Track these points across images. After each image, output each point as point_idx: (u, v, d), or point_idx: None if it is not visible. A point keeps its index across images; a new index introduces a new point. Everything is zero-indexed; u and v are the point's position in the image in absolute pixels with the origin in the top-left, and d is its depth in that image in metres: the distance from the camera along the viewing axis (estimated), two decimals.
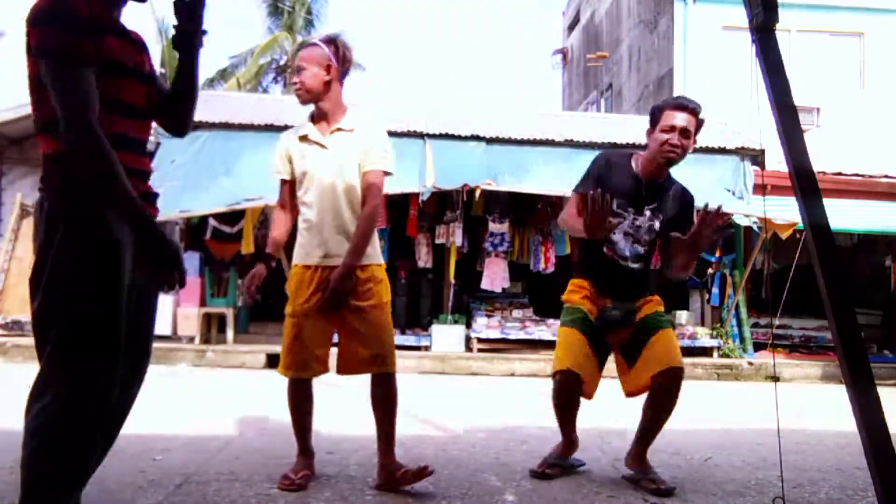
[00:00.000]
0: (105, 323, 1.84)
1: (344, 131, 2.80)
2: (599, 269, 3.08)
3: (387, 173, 2.84)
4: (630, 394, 3.07)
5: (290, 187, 2.90)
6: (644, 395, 3.04)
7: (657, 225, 3.04)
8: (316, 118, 2.86)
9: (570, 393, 3.02)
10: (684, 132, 2.94)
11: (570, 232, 3.11)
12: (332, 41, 2.80)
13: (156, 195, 2.10)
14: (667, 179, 3.08)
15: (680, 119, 2.94)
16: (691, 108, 2.96)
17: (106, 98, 1.86)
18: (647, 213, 3.03)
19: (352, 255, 2.72)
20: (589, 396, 3.03)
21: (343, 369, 2.85)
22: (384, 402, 2.82)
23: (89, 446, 1.89)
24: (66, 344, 1.82)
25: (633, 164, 3.07)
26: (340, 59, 2.79)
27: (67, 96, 1.75)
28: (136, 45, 2.02)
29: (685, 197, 3.12)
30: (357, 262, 2.73)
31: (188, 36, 2.12)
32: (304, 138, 2.84)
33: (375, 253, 2.85)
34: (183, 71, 2.20)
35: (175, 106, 2.22)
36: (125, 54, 1.93)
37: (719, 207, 2.78)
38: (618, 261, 3.04)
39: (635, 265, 3.05)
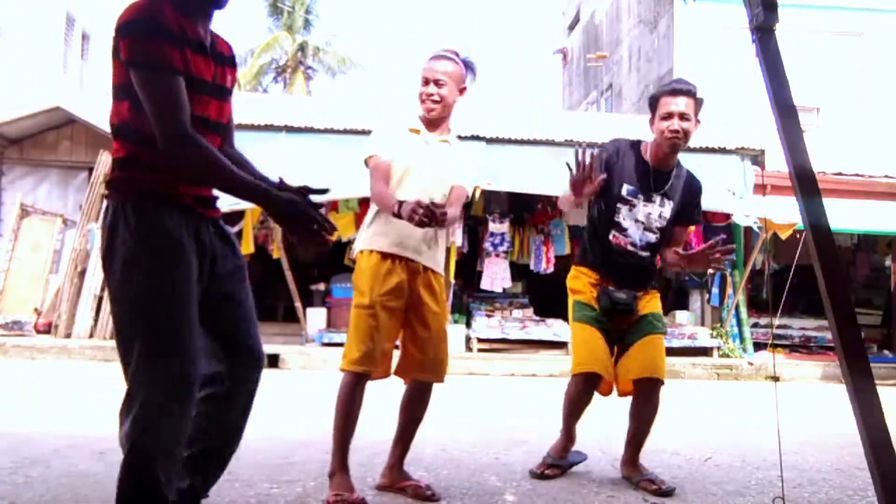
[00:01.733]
0: (174, 327, 1.83)
1: (450, 144, 2.85)
2: (605, 258, 3.09)
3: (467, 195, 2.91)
4: (623, 393, 3.11)
5: (386, 165, 2.73)
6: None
7: (668, 212, 3.06)
8: (429, 125, 2.82)
9: (589, 395, 3.08)
10: (683, 116, 2.96)
11: (563, 206, 3.14)
12: (469, 66, 2.82)
13: (216, 198, 2.06)
14: (676, 166, 3.11)
15: (676, 104, 2.96)
16: (686, 91, 2.98)
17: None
18: (657, 199, 3.05)
19: (454, 207, 2.70)
20: (607, 392, 3.10)
21: (402, 371, 2.80)
22: (419, 409, 2.81)
23: (172, 457, 1.91)
24: (141, 351, 1.82)
25: (643, 151, 3.09)
26: (469, 81, 2.84)
27: (161, 106, 1.78)
28: (222, 58, 2.03)
29: (693, 183, 3.16)
30: (457, 213, 2.74)
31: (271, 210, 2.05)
32: (415, 131, 2.80)
33: (442, 263, 2.86)
34: (238, 183, 2.00)
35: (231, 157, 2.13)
36: (206, 69, 1.95)
37: (727, 248, 2.85)
38: (625, 248, 3.05)
39: (644, 253, 3.07)
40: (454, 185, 2.81)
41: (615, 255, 3.06)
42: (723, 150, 9.73)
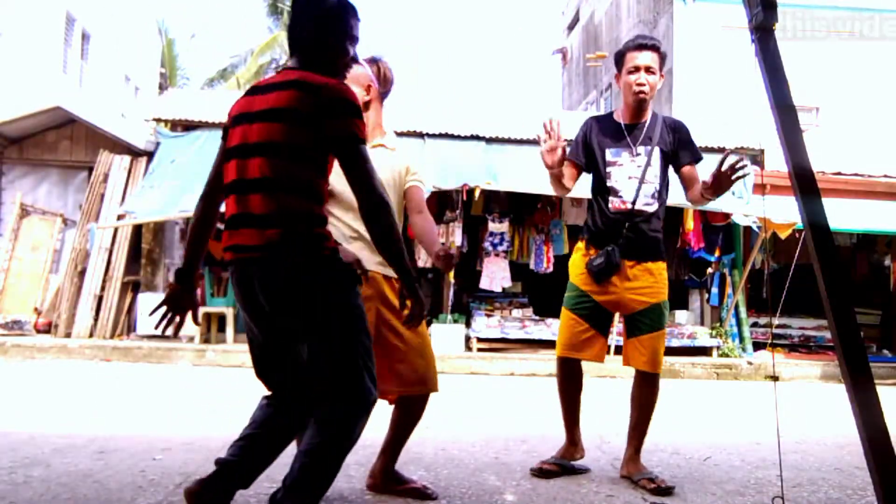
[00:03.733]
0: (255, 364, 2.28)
1: (386, 149, 2.76)
2: (608, 228, 3.11)
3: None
4: (626, 364, 3.20)
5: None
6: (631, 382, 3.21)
7: (656, 158, 3.09)
8: None
9: (573, 378, 3.18)
10: (648, 69, 3.05)
11: (554, 188, 3.16)
12: (374, 62, 2.77)
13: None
14: (652, 117, 3.16)
15: (642, 58, 3.05)
16: (651, 45, 3.07)
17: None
18: (641, 150, 3.09)
19: (436, 242, 2.69)
20: (599, 360, 3.20)
21: (391, 394, 2.70)
22: (413, 419, 2.76)
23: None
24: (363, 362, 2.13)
25: (614, 115, 3.20)
26: (381, 79, 2.77)
27: (374, 180, 2.04)
28: None
29: (672, 122, 3.20)
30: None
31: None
32: None
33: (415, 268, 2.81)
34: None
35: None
36: None
37: (738, 160, 2.82)
38: (627, 208, 3.07)
39: (647, 207, 3.08)
40: (408, 187, 2.76)
41: (616, 221, 3.08)
42: (722, 150, 9.68)
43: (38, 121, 9.62)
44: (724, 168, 2.80)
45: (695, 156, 3.16)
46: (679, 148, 3.14)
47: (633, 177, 3.07)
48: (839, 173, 9.84)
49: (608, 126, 3.17)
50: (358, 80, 2.70)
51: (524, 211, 9.60)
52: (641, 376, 3.14)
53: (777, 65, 2.21)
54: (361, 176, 2.02)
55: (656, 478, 2.97)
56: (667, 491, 2.88)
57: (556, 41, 21.87)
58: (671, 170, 3.18)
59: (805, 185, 2.16)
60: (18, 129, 9.68)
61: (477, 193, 8.33)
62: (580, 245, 3.22)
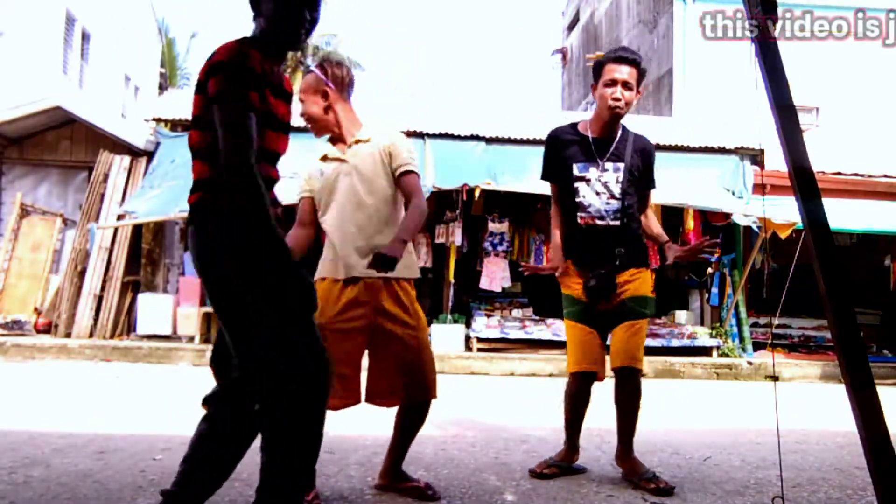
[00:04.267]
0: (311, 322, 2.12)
1: (362, 142, 2.71)
2: (579, 240, 3.09)
3: (415, 173, 2.73)
4: (600, 379, 3.15)
5: (310, 204, 2.80)
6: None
7: (623, 175, 3.06)
8: (335, 142, 2.78)
9: (586, 393, 3.10)
10: (626, 85, 2.99)
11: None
12: (320, 65, 2.70)
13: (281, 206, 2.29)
14: (621, 132, 3.13)
15: (620, 72, 2.99)
16: (631, 60, 3.01)
17: (261, 147, 2.06)
18: (609, 166, 3.06)
19: (404, 232, 2.53)
20: (601, 379, 3.12)
21: (375, 397, 2.66)
22: (415, 423, 2.74)
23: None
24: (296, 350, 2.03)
25: (580, 128, 3.14)
26: (332, 78, 2.68)
27: (234, 141, 1.93)
28: (286, 96, 2.19)
29: (643, 146, 3.16)
30: (409, 238, 2.55)
31: None
32: (324, 158, 2.78)
33: (415, 266, 2.74)
34: None
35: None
36: (279, 108, 2.14)
37: (712, 244, 2.96)
38: (595, 224, 3.05)
39: (615, 222, 3.05)
40: (400, 172, 2.66)
41: (587, 235, 3.06)
42: (722, 150, 9.74)
43: (38, 121, 9.62)
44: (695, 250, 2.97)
45: (650, 185, 3.19)
46: (641, 170, 3.11)
47: (600, 192, 3.04)
48: (839, 173, 9.84)
49: (574, 139, 3.10)
50: (311, 88, 2.68)
51: (524, 211, 9.60)
52: (619, 375, 3.02)
53: (777, 65, 2.21)
54: (220, 137, 1.95)
55: (656, 478, 2.96)
56: (667, 491, 2.88)
57: (556, 41, 21.87)
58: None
59: (805, 185, 2.16)
60: (18, 129, 9.68)
61: (477, 193, 8.33)
62: (569, 262, 3.14)
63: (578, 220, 3.06)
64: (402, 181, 2.68)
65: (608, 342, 3.12)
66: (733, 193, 9.32)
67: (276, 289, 1.96)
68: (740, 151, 9.77)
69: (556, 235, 3.16)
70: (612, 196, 3.05)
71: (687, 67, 12.22)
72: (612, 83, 2.98)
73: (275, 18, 2.07)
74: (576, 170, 3.06)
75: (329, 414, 2.69)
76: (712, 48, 11.95)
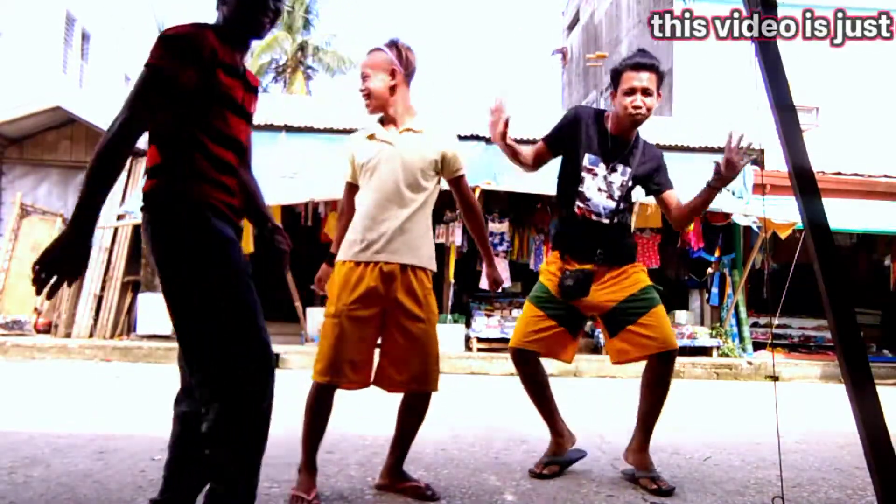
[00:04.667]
0: (253, 319, 1.98)
1: (413, 132, 2.72)
2: (572, 229, 3.09)
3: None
4: (617, 363, 3.12)
5: (351, 191, 2.80)
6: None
7: (628, 180, 3.06)
8: (385, 123, 2.77)
9: (524, 367, 3.12)
10: (645, 91, 2.95)
11: (510, 160, 3.11)
12: (394, 44, 2.72)
13: (242, 210, 2.18)
14: (635, 138, 3.11)
15: (640, 79, 2.95)
16: (649, 66, 2.96)
17: (216, 125, 1.99)
18: (619, 168, 3.05)
19: (488, 252, 2.94)
20: (567, 360, 3.14)
21: (380, 381, 2.69)
22: (416, 417, 2.75)
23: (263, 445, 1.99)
24: (224, 352, 1.91)
25: (605, 120, 3.09)
26: (404, 62, 2.71)
27: (133, 97, 1.83)
28: (249, 87, 2.14)
29: (658, 154, 3.15)
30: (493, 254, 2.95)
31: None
32: (371, 137, 2.76)
33: (433, 258, 2.75)
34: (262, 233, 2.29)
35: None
36: (236, 91, 2.05)
37: (741, 136, 2.85)
38: (590, 218, 3.05)
39: (606, 221, 3.06)
40: (457, 174, 2.76)
41: (579, 227, 3.06)
42: (722, 150, 9.70)
43: (38, 121, 9.62)
44: (732, 146, 2.84)
45: (669, 185, 3.15)
46: (657, 172, 3.10)
47: (602, 190, 3.04)
48: (839, 173, 9.85)
49: (595, 130, 3.07)
50: (380, 65, 2.69)
51: (524, 211, 9.60)
52: (658, 359, 2.98)
53: (777, 65, 2.21)
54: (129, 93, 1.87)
55: (657, 478, 2.96)
56: (667, 492, 2.87)
57: (556, 41, 21.87)
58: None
59: (805, 185, 2.16)
60: (18, 129, 9.69)
61: (477, 193, 8.34)
62: (555, 254, 3.15)
63: (575, 210, 3.06)
64: (459, 184, 2.79)
65: (619, 346, 3.08)
66: (733, 193, 9.32)
67: (212, 291, 1.89)
68: (740, 151, 9.76)
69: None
70: (611, 197, 3.05)
71: (687, 67, 12.22)
72: (632, 91, 2.94)
73: (238, 6, 2.03)
74: (586, 160, 3.04)
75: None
76: (712, 48, 11.95)
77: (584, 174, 3.05)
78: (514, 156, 3.01)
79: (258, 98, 2.23)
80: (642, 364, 3.08)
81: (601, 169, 3.04)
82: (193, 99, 1.92)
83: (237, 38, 2.08)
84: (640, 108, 2.94)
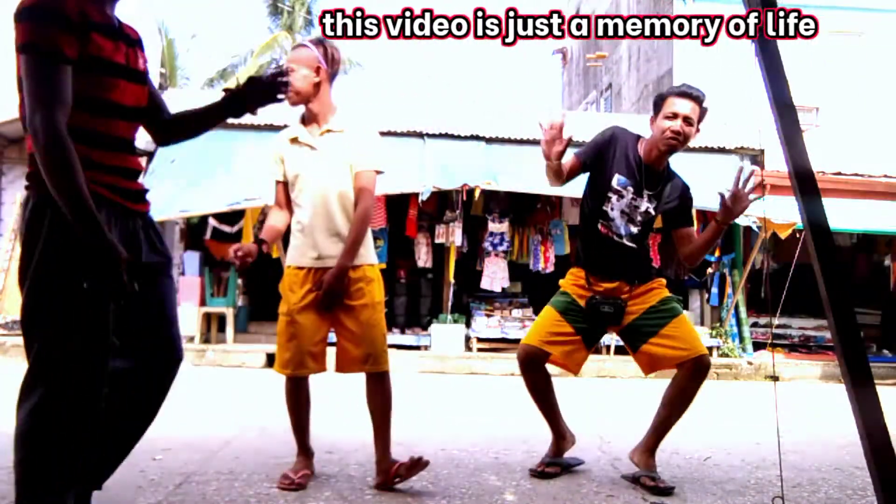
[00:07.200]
0: (90, 320, 1.83)
1: (334, 132, 2.80)
2: (594, 247, 3.11)
3: (378, 172, 2.84)
4: (649, 372, 3.15)
5: (284, 188, 2.91)
6: (653, 385, 3.13)
7: (652, 210, 3.08)
8: (306, 120, 2.86)
9: (531, 368, 3.14)
10: (687, 120, 2.96)
11: (549, 181, 3.04)
12: (320, 42, 2.79)
13: (146, 191, 2.08)
14: (666, 169, 3.12)
15: (683, 106, 2.96)
16: (695, 96, 2.98)
17: (94, 96, 1.85)
18: (646, 196, 3.06)
19: (345, 256, 2.73)
20: (574, 372, 3.15)
21: (339, 367, 2.85)
22: (379, 400, 2.84)
23: (78, 446, 1.86)
24: (51, 342, 1.84)
25: (639, 146, 3.10)
26: (329, 60, 2.79)
27: (37, 91, 1.70)
28: (131, 41, 1.97)
29: (685, 192, 3.16)
30: (350, 262, 2.73)
31: (241, 107, 2.28)
32: (294, 140, 2.85)
33: (368, 253, 2.86)
34: (206, 120, 2.31)
35: (173, 127, 2.26)
36: (116, 52, 1.88)
37: (752, 172, 2.89)
38: (612, 237, 3.07)
39: (629, 244, 3.08)
40: (357, 171, 2.78)
41: (602, 245, 3.08)
42: (722, 150, 9.74)
43: None
44: (739, 185, 2.87)
45: (689, 222, 3.19)
46: (681, 211, 3.13)
47: (626, 213, 3.05)
48: (839, 173, 9.85)
49: (629, 152, 3.07)
50: (305, 61, 2.75)
51: (524, 211, 9.60)
52: (688, 371, 3.00)
53: (777, 65, 2.21)
54: (26, 92, 1.73)
55: (656, 478, 2.96)
56: (667, 491, 2.88)
57: (555, 41, 21.87)
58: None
59: (805, 185, 2.16)
60: (18, 129, 9.68)
61: (477, 193, 8.33)
62: (577, 271, 3.15)
63: (599, 227, 3.07)
64: (356, 179, 2.80)
65: (646, 358, 3.09)
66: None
67: (61, 298, 1.80)
68: (740, 151, 9.77)
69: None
70: (633, 222, 3.07)
71: (686, 67, 12.22)
72: (674, 116, 2.95)
73: None
74: (616, 181, 3.03)
75: (328, 413, 2.70)
76: (711, 48, 11.96)
77: (611, 194, 3.05)
78: (557, 173, 2.97)
79: (144, 48, 2.04)
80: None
81: (628, 193, 3.05)
82: (76, 73, 1.76)
83: None
84: (678, 133, 2.95)
